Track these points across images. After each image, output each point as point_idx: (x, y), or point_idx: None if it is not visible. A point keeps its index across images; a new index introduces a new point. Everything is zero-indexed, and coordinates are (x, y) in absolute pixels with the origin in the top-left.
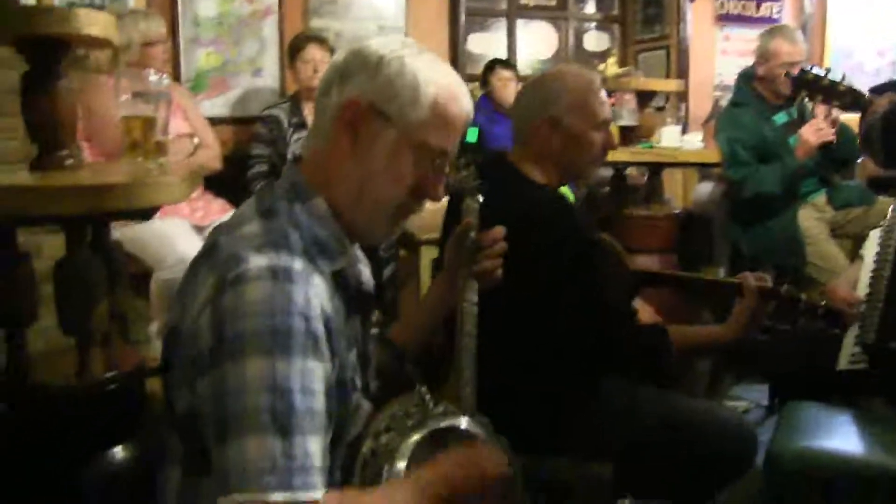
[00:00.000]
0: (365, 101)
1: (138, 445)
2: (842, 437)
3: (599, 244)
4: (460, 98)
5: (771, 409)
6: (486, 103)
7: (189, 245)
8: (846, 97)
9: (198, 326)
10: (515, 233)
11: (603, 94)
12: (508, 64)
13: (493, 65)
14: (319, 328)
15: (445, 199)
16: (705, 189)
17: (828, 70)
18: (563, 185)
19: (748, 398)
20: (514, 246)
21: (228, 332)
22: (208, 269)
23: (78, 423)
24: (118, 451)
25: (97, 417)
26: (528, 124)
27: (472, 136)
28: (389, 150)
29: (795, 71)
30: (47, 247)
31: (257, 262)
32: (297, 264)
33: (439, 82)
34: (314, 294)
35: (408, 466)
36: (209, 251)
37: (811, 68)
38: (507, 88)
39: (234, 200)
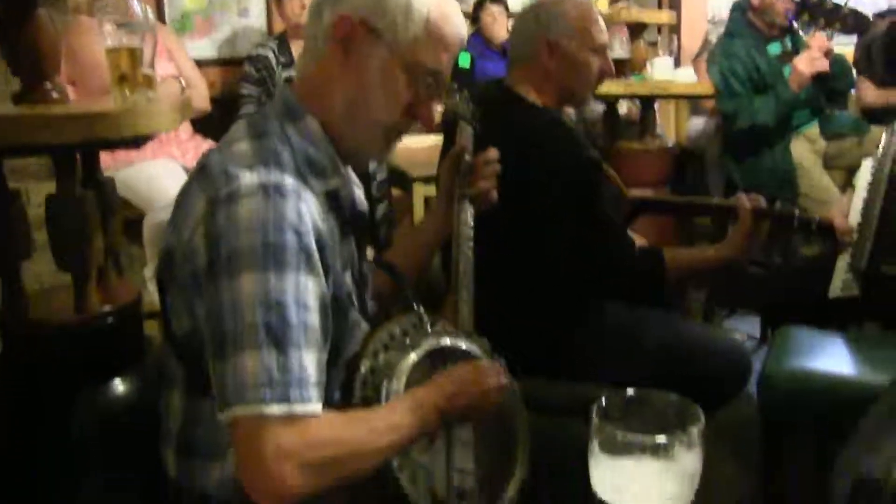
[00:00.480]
0: (356, 17)
1: (137, 377)
2: (833, 357)
3: (599, 164)
4: (453, 17)
5: (763, 340)
6: (478, 40)
7: (180, 187)
8: (849, 19)
9: (192, 246)
10: (515, 154)
11: (601, 19)
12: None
13: (484, 1)
14: (311, 244)
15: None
16: (698, 122)
17: None
18: (559, 108)
19: (741, 330)
20: (514, 166)
21: (222, 250)
22: (200, 188)
23: (77, 357)
24: (118, 384)
25: (96, 352)
26: (527, 47)
27: (465, 61)
28: (381, 69)
29: None
30: (34, 195)
31: (248, 179)
32: (288, 181)
33: (432, 1)
34: (306, 210)
35: (406, 385)
36: (200, 171)
37: None
38: (498, 24)
39: None
